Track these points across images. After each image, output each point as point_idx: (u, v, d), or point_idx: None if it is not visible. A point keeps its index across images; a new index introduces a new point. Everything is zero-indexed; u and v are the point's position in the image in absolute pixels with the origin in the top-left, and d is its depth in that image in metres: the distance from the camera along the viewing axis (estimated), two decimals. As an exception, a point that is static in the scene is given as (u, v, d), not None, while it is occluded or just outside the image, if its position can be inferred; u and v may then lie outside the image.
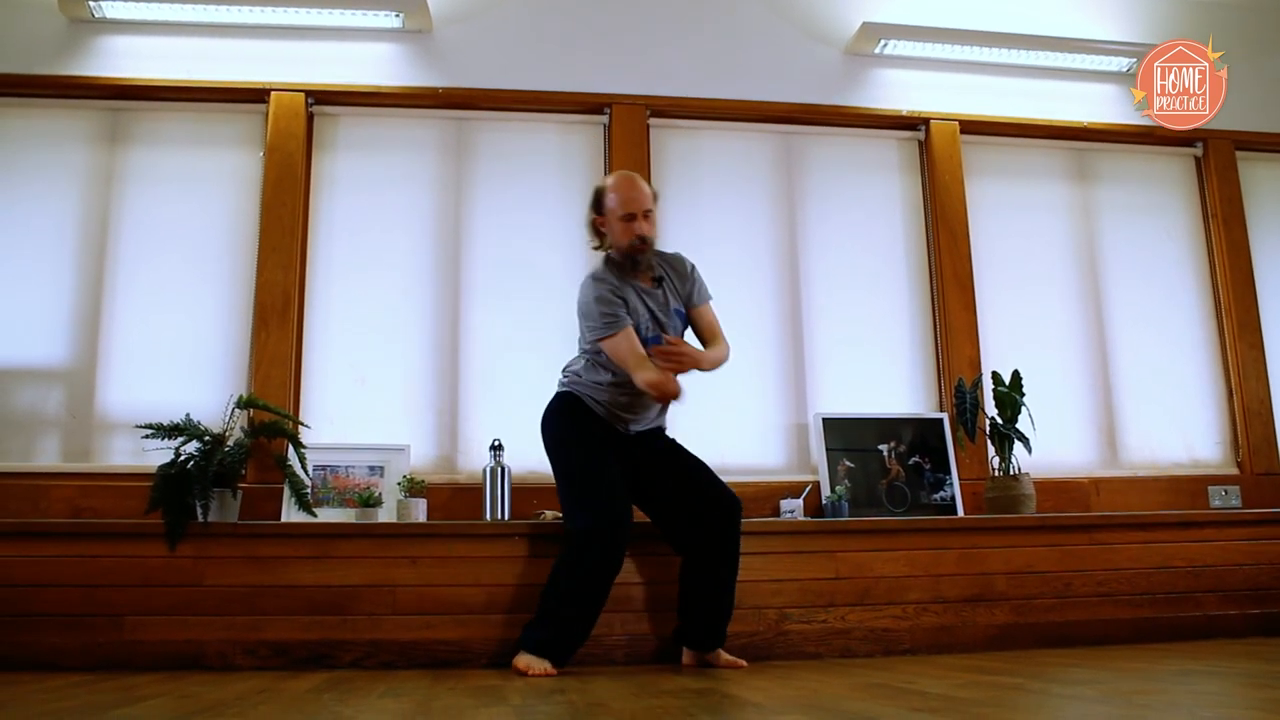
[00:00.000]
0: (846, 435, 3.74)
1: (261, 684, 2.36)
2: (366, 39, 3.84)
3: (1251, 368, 4.10)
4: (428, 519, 3.31)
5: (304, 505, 3.15)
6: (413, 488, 3.32)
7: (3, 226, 3.59)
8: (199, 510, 2.92)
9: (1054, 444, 3.87)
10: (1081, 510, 3.82)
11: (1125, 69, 4.20)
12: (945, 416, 3.82)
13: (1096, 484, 3.91)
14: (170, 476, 2.97)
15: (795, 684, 2.21)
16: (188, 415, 3.16)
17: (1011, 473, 3.55)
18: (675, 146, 4.01)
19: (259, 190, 3.70)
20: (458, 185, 3.86)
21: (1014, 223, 4.16)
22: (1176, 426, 4.08)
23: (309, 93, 3.76)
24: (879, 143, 4.15)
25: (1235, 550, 3.37)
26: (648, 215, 2.77)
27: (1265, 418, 4.07)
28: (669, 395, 2.64)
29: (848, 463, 3.69)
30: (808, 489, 3.63)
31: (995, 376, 3.69)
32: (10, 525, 2.94)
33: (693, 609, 2.76)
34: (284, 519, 3.27)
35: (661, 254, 2.93)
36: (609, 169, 3.87)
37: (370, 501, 3.25)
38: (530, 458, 3.58)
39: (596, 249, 2.92)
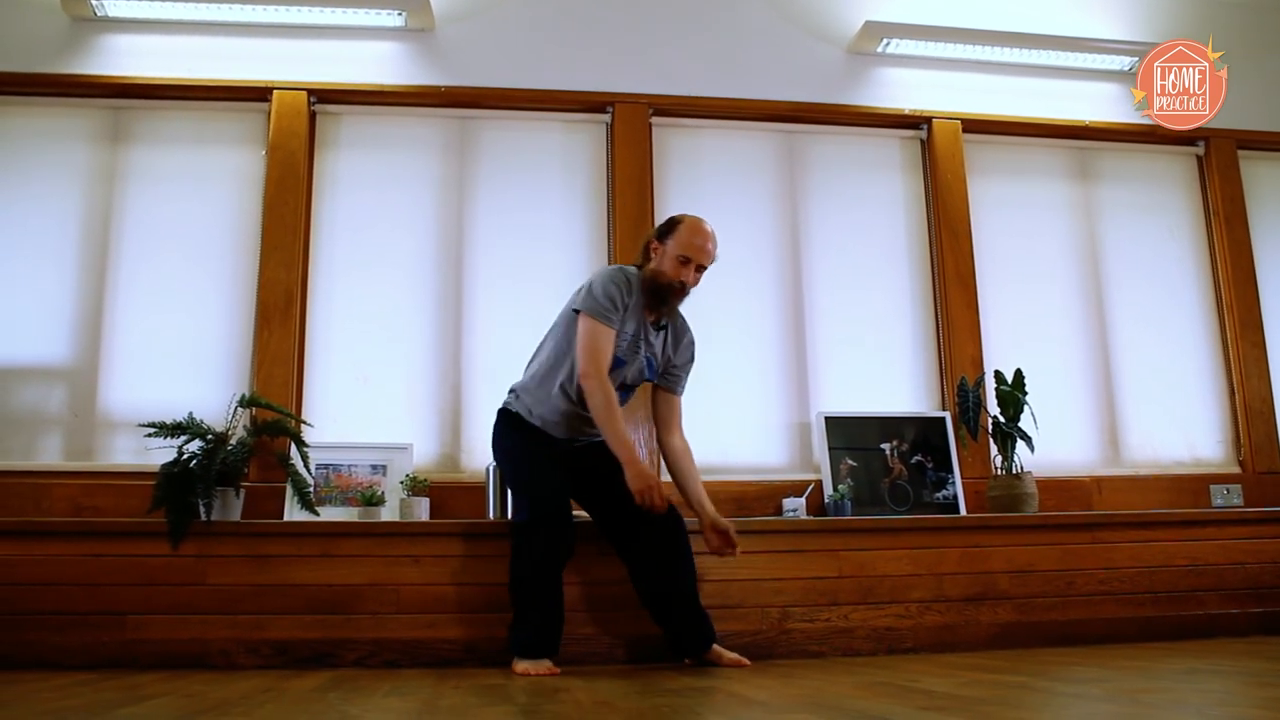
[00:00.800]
0: (849, 434, 3.74)
1: (265, 683, 2.36)
2: (369, 37, 3.84)
3: (1253, 366, 4.10)
4: (430, 518, 3.31)
5: (306, 504, 3.15)
6: (415, 486, 3.32)
7: (5, 225, 3.59)
8: (202, 509, 2.92)
9: (1056, 443, 3.87)
10: (1083, 509, 3.82)
11: (1127, 68, 4.20)
12: (947, 415, 3.82)
13: (1098, 483, 3.92)
14: (173, 475, 2.97)
15: (799, 682, 2.21)
16: (190, 414, 3.16)
17: (1014, 471, 3.55)
18: (678, 145, 4.01)
19: (261, 189, 3.70)
20: (460, 184, 3.86)
21: (1016, 221, 4.17)
22: (1178, 425, 4.08)
23: (311, 91, 3.76)
24: (881, 141, 4.15)
25: (1237, 549, 3.37)
26: (700, 270, 2.76)
27: (1267, 416, 4.07)
28: (651, 504, 2.59)
29: (850, 461, 3.69)
30: (810, 488, 3.63)
31: (998, 375, 3.69)
32: (13, 524, 2.94)
33: (667, 620, 2.76)
34: (286, 518, 3.26)
35: (684, 323, 2.92)
36: (612, 168, 3.88)
37: (373, 500, 3.25)
38: (533, 456, 3.59)
39: (638, 267, 2.81)
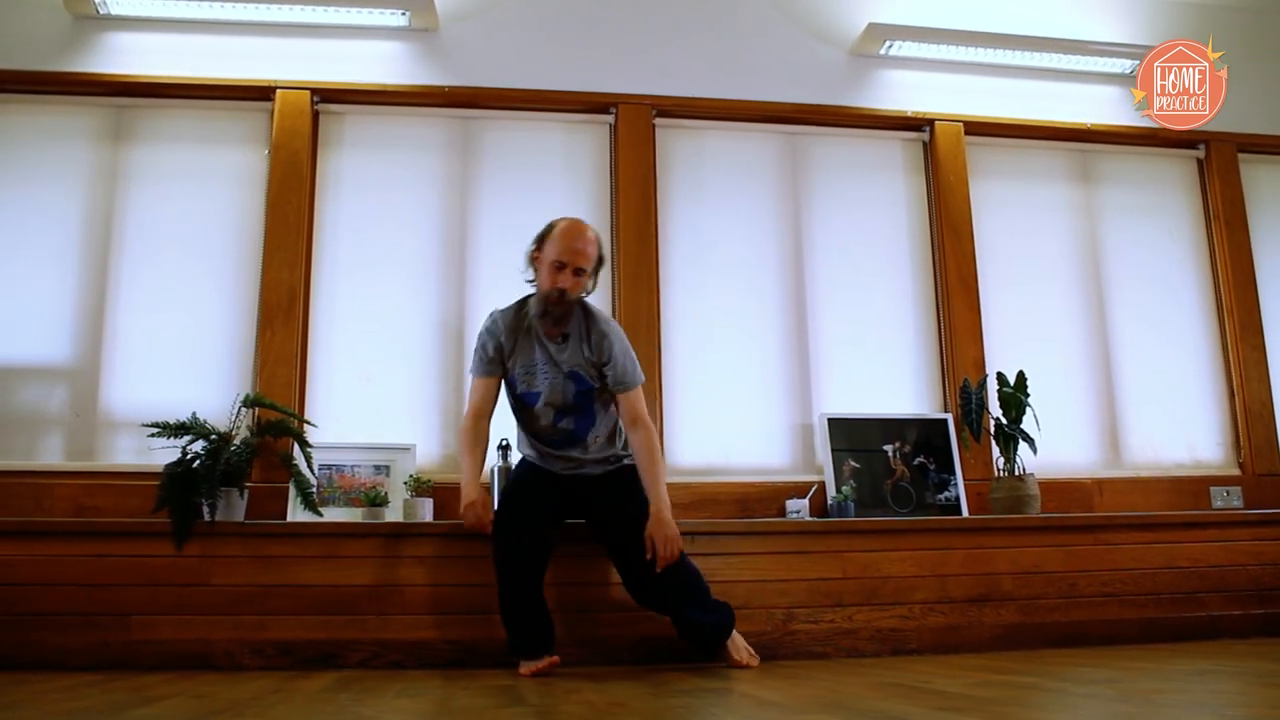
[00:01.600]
0: (851, 436, 3.74)
1: (272, 684, 2.36)
2: (372, 37, 3.83)
3: (1253, 369, 4.11)
4: (434, 519, 3.30)
5: (310, 505, 3.14)
6: (419, 487, 3.31)
7: (6, 223, 3.57)
8: (206, 510, 2.91)
9: (1057, 444, 3.88)
10: (1084, 511, 3.83)
11: (1128, 71, 4.22)
12: (949, 417, 3.83)
13: (1099, 484, 3.93)
14: (177, 475, 2.96)
15: (809, 683, 2.21)
16: (194, 414, 3.14)
17: (1016, 473, 3.56)
18: (681, 146, 4.01)
19: (264, 188, 3.69)
20: (463, 184, 3.85)
21: (1017, 223, 4.18)
22: (1178, 427, 4.10)
23: (315, 91, 3.75)
24: (884, 143, 4.15)
25: (1239, 550, 3.38)
26: (580, 273, 2.70)
27: (1267, 419, 4.09)
28: (474, 525, 2.71)
29: (853, 463, 3.69)
30: (813, 489, 3.63)
31: (1000, 377, 3.70)
32: (16, 524, 2.93)
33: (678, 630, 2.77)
34: (289, 518, 3.25)
35: (592, 319, 2.79)
36: (615, 168, 3.87)
37: (377, 501, 3.24)
38: (536, 457, 3.59)
39: (529, 283, 2.81)
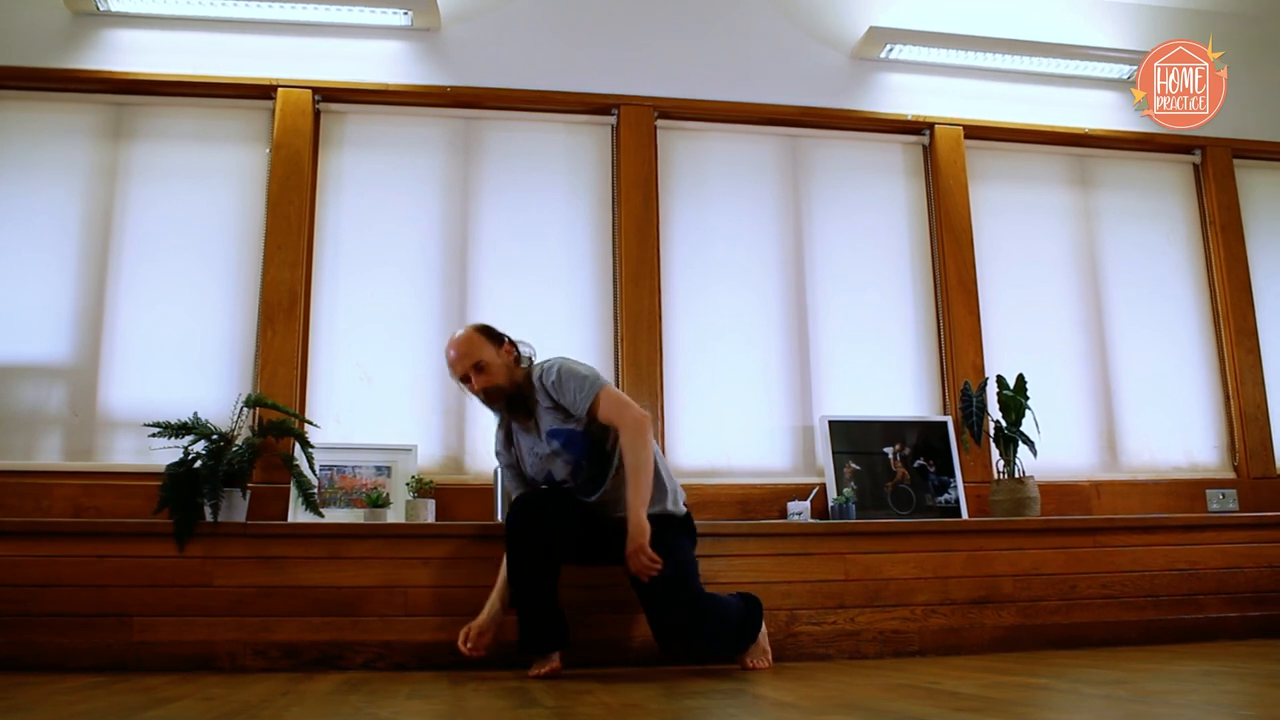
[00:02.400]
0: (852, 438, 3.75)
1: (279, 685, 2.34)
2: (374, 36, 3.82)
3: (1248, 373, 4.15)
4: (436, 520, 3.29)
5: (311, 506, 3.13)
6: (421, 488, 3.31)
7: (5, 221, 3.54)
8: (208, 510, 2.90)
9: (1055, 447, 3.90)
10: (1082, 513, 3.85)
11: (1125, 76, 4.25)
12: (949, 420, 3.84)
13: (1097, 487, 3.95)
14: (179, 476, 2.94)
15: (820, 684, 2.22)
16: (195, 414, 3.13)
17: (1016, 476, 3.57)
18: (682, 148, 4.01)
19: (265, 187, 3.68)
20: (465, 184, 3.84)
21: (1017, 227, 4.20)
22: (1175, 431, 4.13)
23: (316, 90, 3.74)
24: (884, 147, 4.17)
25: (1237, 553, 3.41)
26: (477, 371, 2.66)
27: (1261, 423, 4.12)
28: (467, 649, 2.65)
29: (854, 465, 3.70)
30: (814, 491, 3.64)
31: (1000, 380, 3.71)
32: (17, 524, 2.90)
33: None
34: (290, 519, 3.24)
35: (531, 383, 2.73)
36: (617, 170, 3.88)
37: (379, 502, 3.23)
38: (538, 458, 3.58)
39: None
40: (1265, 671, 2.28)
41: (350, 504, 3.37)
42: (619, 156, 3.89)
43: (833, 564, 3.12)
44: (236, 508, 3.06)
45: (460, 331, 2.75)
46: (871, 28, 4.04)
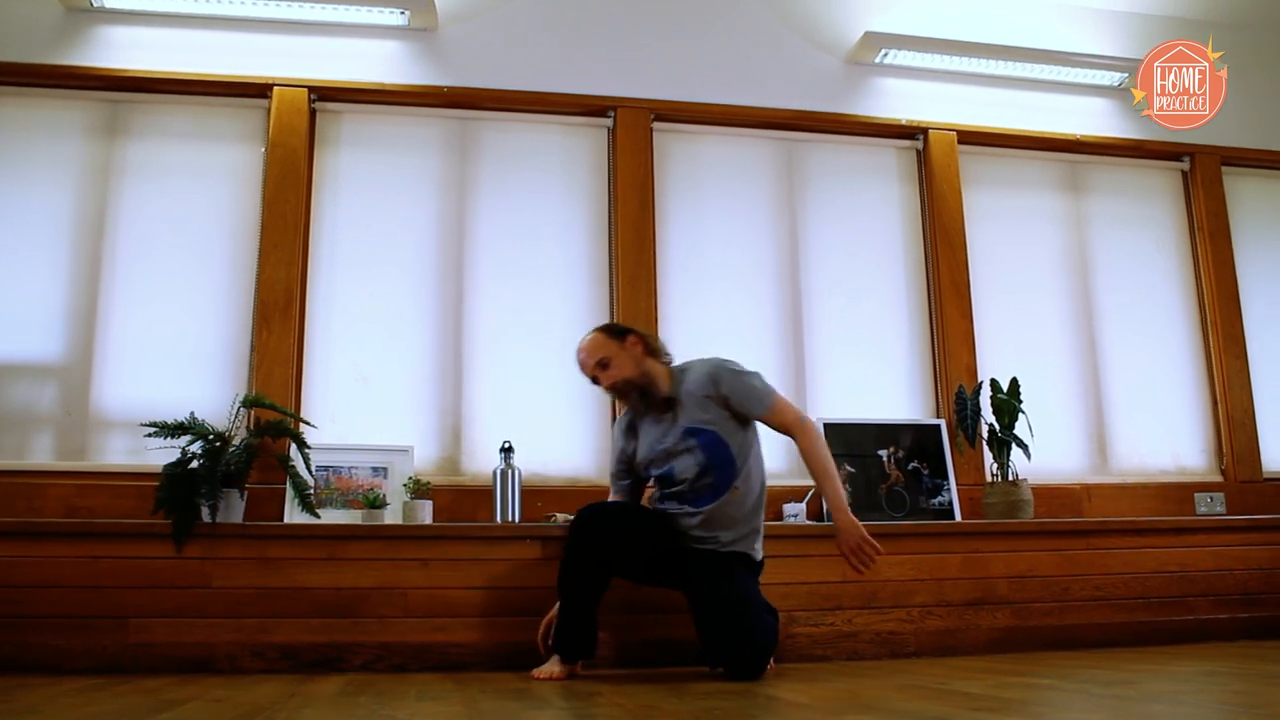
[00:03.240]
0: (846, 440, 3.77)
1: (283, 687, 2.33)
2: (371, 35, 3.80)
3: (1235, 378, 4.20)
4: (433, 521, 3.28)
5: (307, 506, 3.11)
6: (418, 489, 3.29)
7: (-3, 218, 3.50)
8: (206, 511, 2.87)
9: (1045, 450, 3.92)
10: (1073, 516, 3.89)
11: (1117, 83, 4.29)
12: (943, 423, 3.87)
13: (1087, 490, 3.99)
14: (176, 476, 2.92)
15: (828, 685, 2.23)
16: (192, 414, 3.10)
17: (1010, 479, 3.60)
18: (678, 150, 4.02)
19: (260, 186, 3.65)
20: (461, 185, 3.83)
21: (1009, 232, 4.23)
22: (1164, 434, 4.17)
23: (312, 89, 3.71)
24: (878, 151, 4.19)
25: (1226, 556, 3.45)
26: (602, 369, 2.75)
27: (1248, 427, 4.17)
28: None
29: (848, 468, 3.71)
30: (810, 493, 3.65)
31: (994, 384, 3.74)
32: (13, 525, 2.87)
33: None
34: (286, 520, 3.22)
35: (685, 371, 2.80)
36: (613, 172, 3.88)
37: (376, 503, 3.22)
38: (534, 460, 3.58)
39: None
40: (1265, 672, 2.32)
41: (346, 505, 3.36)
42: (615, 158, 3.89)
43: (829, 566, 3.12)
44: (234, 508, 3.04)
45: (586, 335, 2.85)
46: (867, 33, 4.06)
